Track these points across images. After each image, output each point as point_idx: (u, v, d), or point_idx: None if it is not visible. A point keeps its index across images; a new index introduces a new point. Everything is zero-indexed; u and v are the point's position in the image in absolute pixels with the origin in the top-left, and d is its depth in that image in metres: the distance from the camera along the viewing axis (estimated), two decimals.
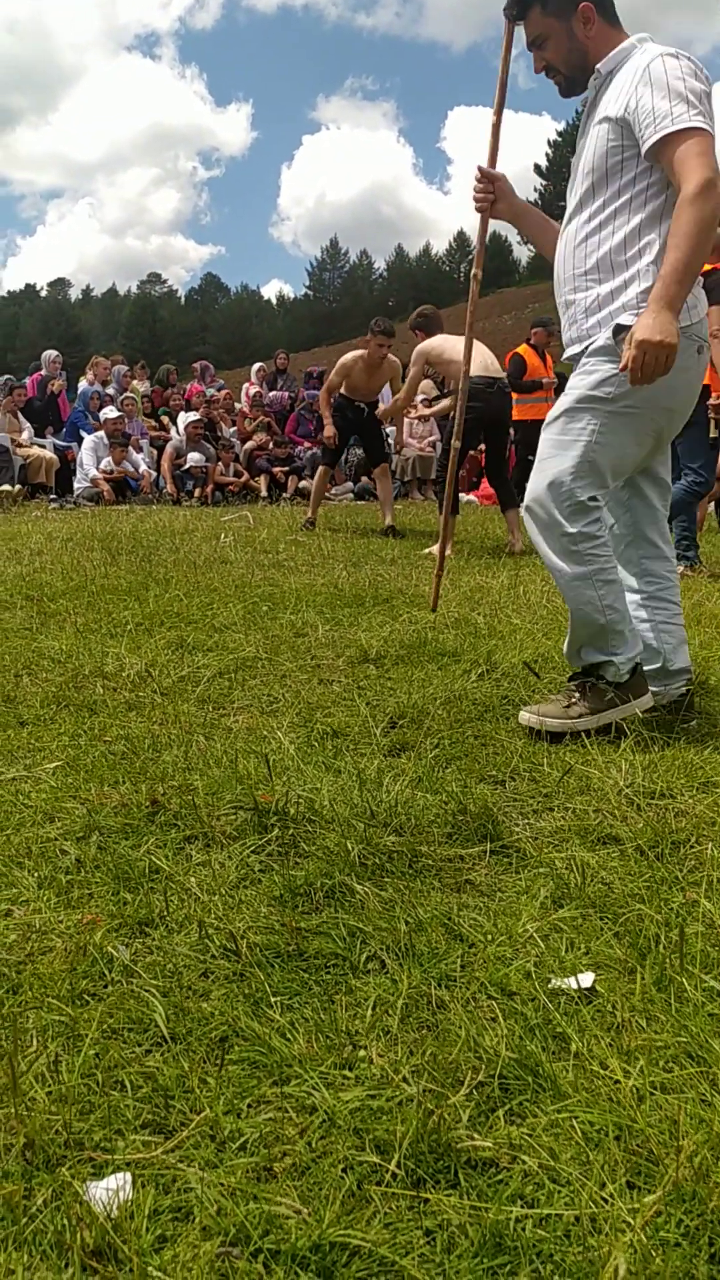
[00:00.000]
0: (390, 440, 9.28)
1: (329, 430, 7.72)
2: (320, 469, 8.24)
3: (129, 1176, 1.00)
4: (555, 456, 2.49)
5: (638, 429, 2.47)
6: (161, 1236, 0.94)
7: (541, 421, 9.09)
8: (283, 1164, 1.04)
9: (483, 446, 7.41)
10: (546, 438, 2.54)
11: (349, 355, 7.65)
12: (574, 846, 1.86)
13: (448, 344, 6.64)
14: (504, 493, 7.02)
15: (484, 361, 6.54)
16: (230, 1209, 0.96)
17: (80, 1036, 1.24)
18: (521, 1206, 0.97)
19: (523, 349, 9.77)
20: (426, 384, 13.34)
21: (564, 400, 2.53)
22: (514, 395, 9.85)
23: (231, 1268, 0.90)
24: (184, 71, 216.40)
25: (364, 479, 11.89)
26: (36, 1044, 1.23)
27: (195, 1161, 1.03)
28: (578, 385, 2.50)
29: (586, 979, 1.40)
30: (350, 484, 12.38)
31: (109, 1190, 0.97)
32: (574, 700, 2.51)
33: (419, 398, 9.92)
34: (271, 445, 12.32)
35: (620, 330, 2.40)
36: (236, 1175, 1.01)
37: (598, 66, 2.47)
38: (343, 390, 7.75)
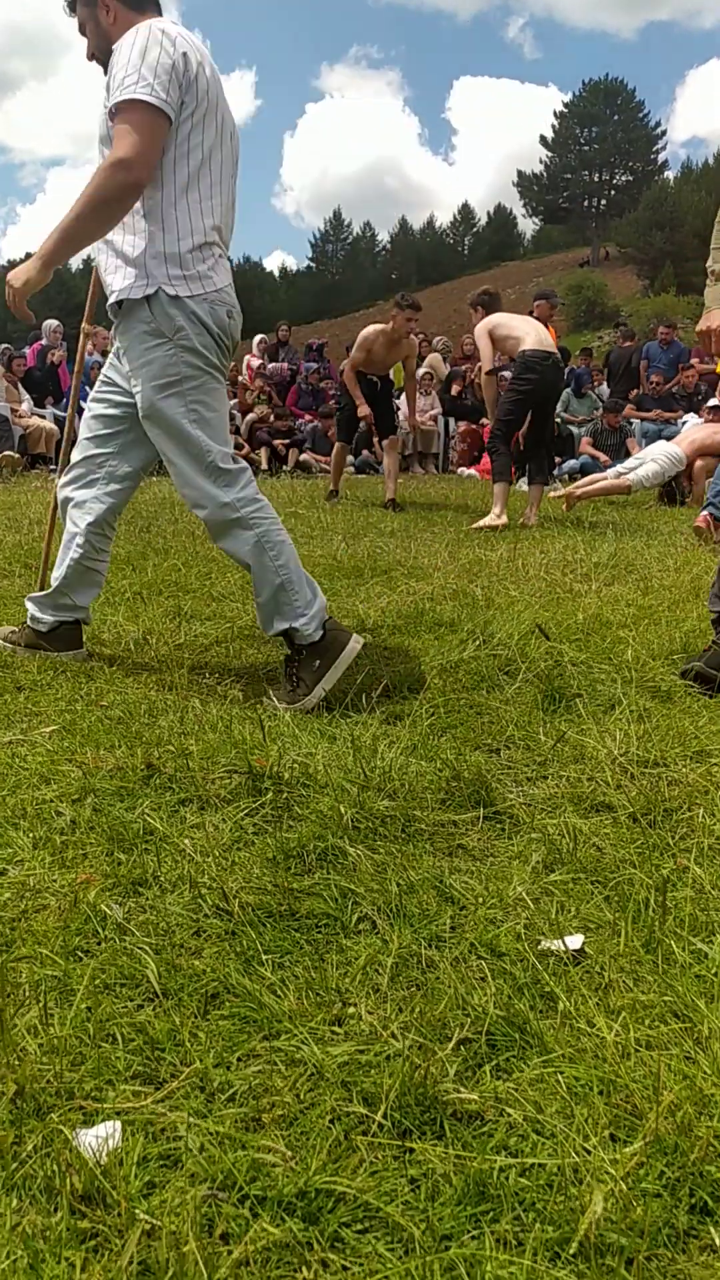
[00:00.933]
0: (401, 415, 9.18)
1: (363, 410, 7.60)
2: (337, 445, 8.18)
3: (119, 1125, 1.01)
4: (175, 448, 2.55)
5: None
6: (150, 1182, 0.96)
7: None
8: (271, 1114, 1.05)
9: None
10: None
11: (370, 329, 7.55)
12: (566, 813, 1.87)
13: (510, 321, 6.78)
14: (535, 465, 7.03)
15: (539, 336, 6.64)
16: (218, 1156, 0.98)
17: (72, 991, 1.25)
18: (505, 1157, 0.99)
19: None
20: (434, 358, 13.29)
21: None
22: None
23: (218, 1211, 0.91)
24: None
25: (365, 452, 11.85)
26: (29, 997, 1.25)
27: (184, 1111, 1.05)
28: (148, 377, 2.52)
29: (576, 941, 1.41)
30: (351, 458, 12.33)
31: (98, 1137, 0.99)
32: (296, 681, 2.52)
33: (422, 372, 9.81)
34: (272, 418, 12.27)
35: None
36: (225, 1124, 1.03)
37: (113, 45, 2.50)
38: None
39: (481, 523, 6.29)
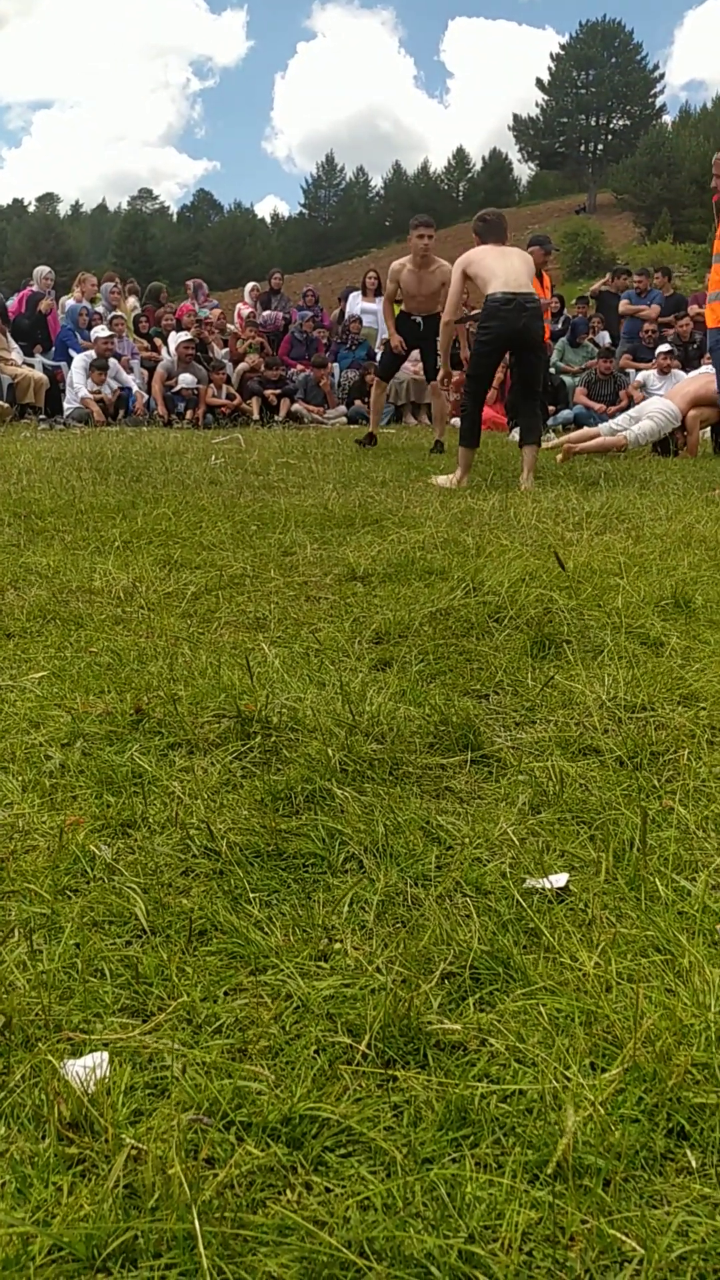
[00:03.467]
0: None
1: (395, 339, 7.43)
2: (376, 382, 8.03)
3: (106, 1055, 1.03)
4: None
5: None
6: (137, 1110, 0.97)
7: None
8: (257, 1045, 1.07)
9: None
10: None
11: (398, 261, 7.39)
12: (554, 757, 1.88)
13: (481, 256, 5.91)
14: (527, 424, 6.18)
15: (506, 277, 5.74)
16: (205, 1085, 0.99)
17: (60, 928, 1.26)
18: (487, 1084, 1.00)
19: None
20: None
21: None
22: None
23: (203, 1136, 0.93)
24: None
25: (357, 402, 11.75)
26: (18, 934, 1.26)
27: (172, 1042, 1.06)
28: None
29: (561, 879, 1.42)
30: (343, 407, 12.23)
31: (86, 1067, 1.00)
32: None
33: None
34: (264, 367, 12.13)
35: None
36: (212, 1054, 1.04)
37: None
38: (399, 300, 7.43)
39: (438, 480, 5.81)
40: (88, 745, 1.87)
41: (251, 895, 1.38)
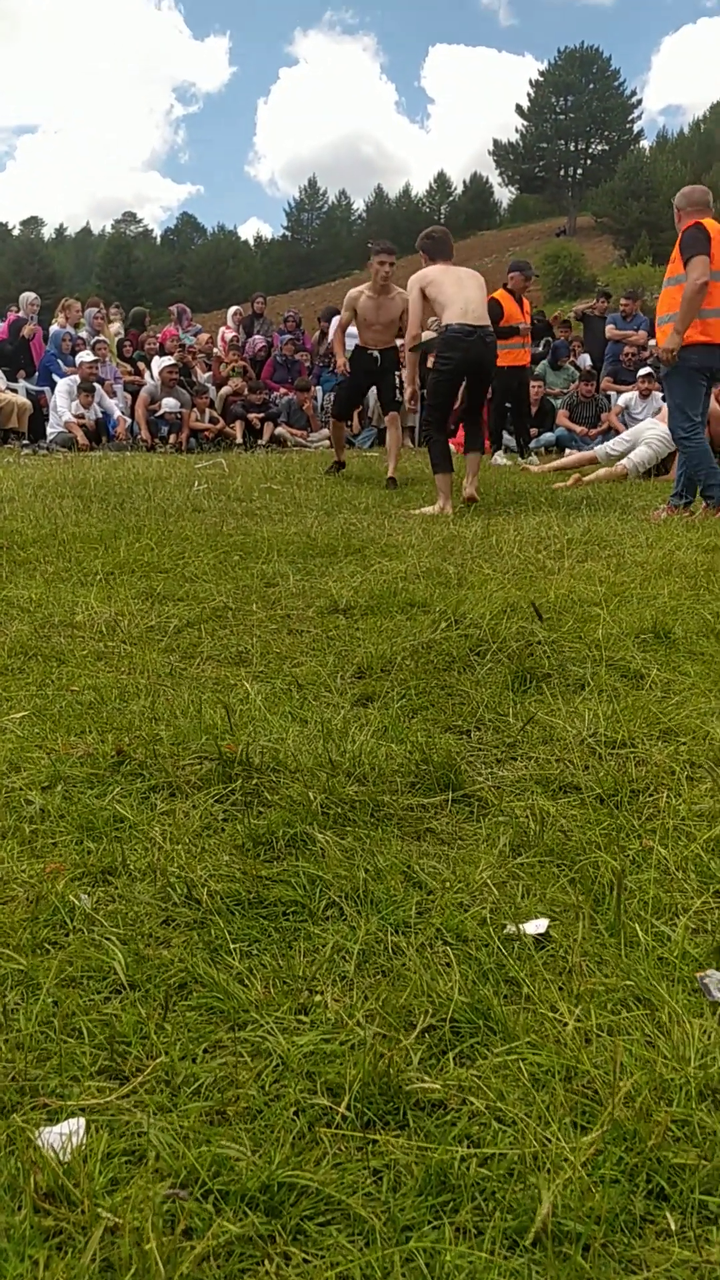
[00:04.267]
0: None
1: (340, 361, 7.39)
2: (333, 422, 8.00)
3: (83, 1121, 1.02)
4: None
5: None
6: (114, 1179, 0.96)
7: (519, 368, 8.98)
8: (236, 1107, 1.06)
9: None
10: None
11: (355, 288, 7.37)
12: (535, 795, 1.88)
13: (441, 277, 5.93)
14: (472, 435, 6.41)
15: (464, 307, 5.85)
16: (182, 1151, 0.98)
17: (38, 984, 1.25)
18: (467, 1146, 1.00)
19: (499, 294, 9.63)
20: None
21: None
22: None
23: (180, 1208, 0.92)
24: (160, 3, 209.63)
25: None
26: None
27: (149, 1106, 1.06)
28: None
29: (541, 925, 1.42)
30: (326, 430, 12.27)
31: (62, 1135, 0.99)
32: None
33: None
34: (247, 391, 12.17)
35: None
36: (190, 1119, 1.04)
37: None
38: (355, 332, 7.34)
39: (423, 510, 5.81)
40: (68, 789, 1.86)
41: (232, 946, 1.37)
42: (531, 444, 10.96)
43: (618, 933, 1.40)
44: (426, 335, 6.16)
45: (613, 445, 8.12)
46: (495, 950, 1.35)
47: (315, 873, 1.56)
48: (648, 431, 7.87)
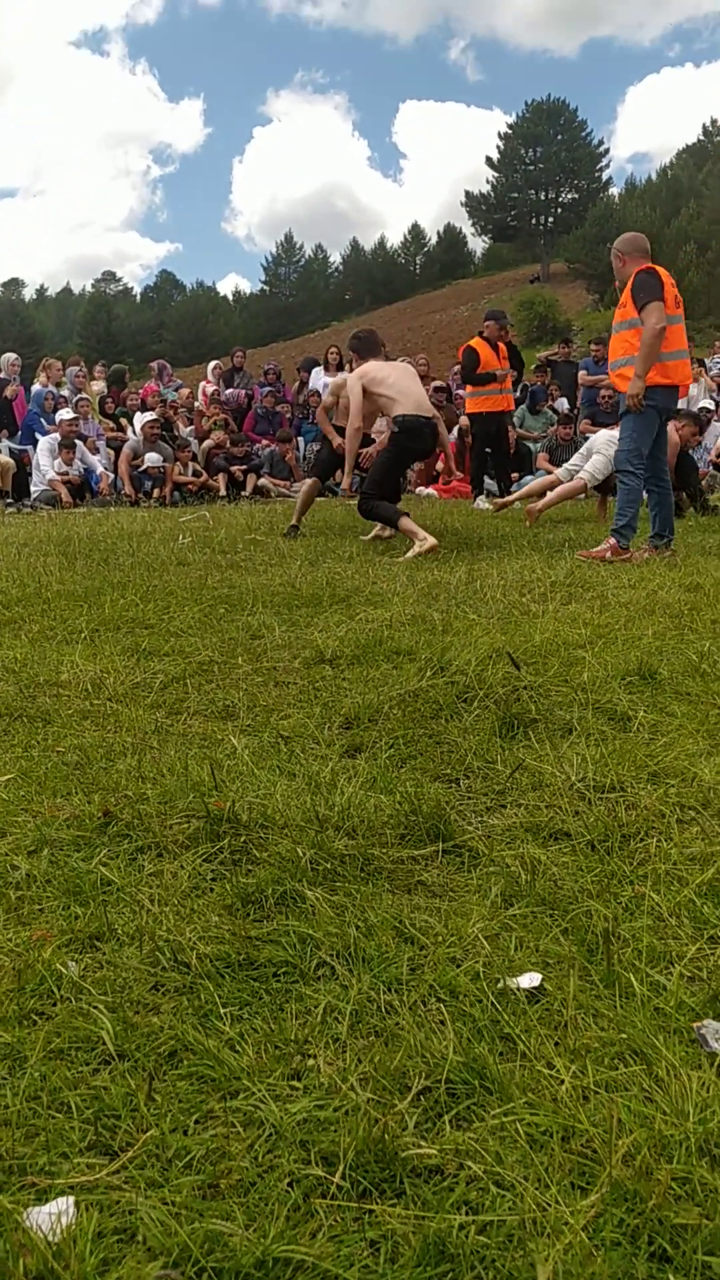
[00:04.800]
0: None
1: (338, 440, 7.49)
2: (310, 481, 8.06)
3: (72, 1200, 1.00)
4: None
5: None
6: (105, 1260, 0.94)
7: (497, 414, 9.16)
8: (228, 1180, 1.04)
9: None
10: None
11: (341, 375, 7.60)
12: (525, 843, 1.87)
13: (380, 374, 6.28)
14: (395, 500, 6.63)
15: (418, 400, 6.25)
16: (175, 1229, 0.96)
17: (25, 1057, 1.23)
18: (465, 1213, 0.98)
19: (475, 342, 9.77)
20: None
21: None
22: (468, 388, 9.87)
23: None
24: (134, 68, 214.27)
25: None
26: None
27: (140, 1182, 1.03)
28: None
29: (534, 979, 1.41)
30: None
31: (51, 1215, 0.97)
32: None
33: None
34: (229, 444, 12.27)
35: None
36: (182, 1194, 1.01)
37: None
38: (334, 418, 7.42)
39: (407, 556, 5.78)
40: (54, 853, 1.84)
41: (222, 1010, 1.35)
42: (513, 488, 11.06)
43: (612, 984, 1.39)
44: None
45: (572, 463, 8.18)
46: (489, 1006, 1.34)
47: (306, 931, 1.54)
48: (598, 440, 7.91)
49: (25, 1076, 1.19)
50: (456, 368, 11.69)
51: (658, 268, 5.62)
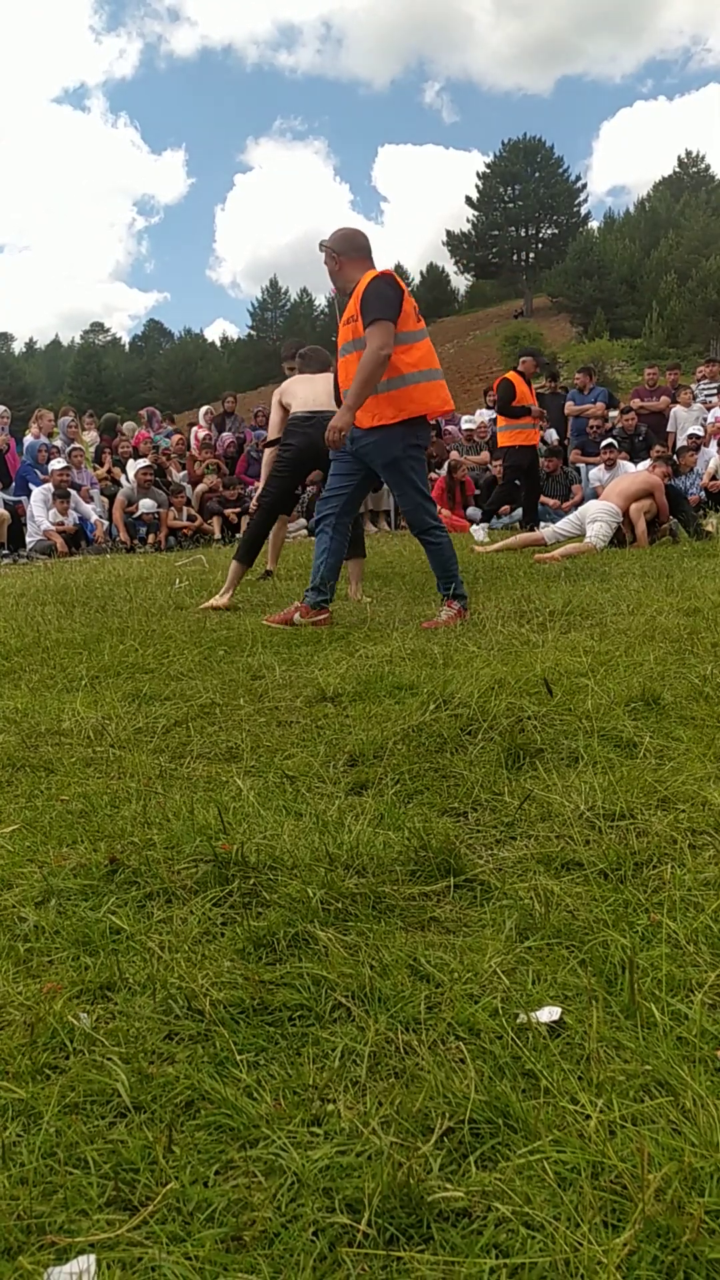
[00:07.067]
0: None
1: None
2: (280, 520, 8.04)
3: (93, 1259, 0.97)
4: None
5: None
6: None
7: (529, 447, 9.30)
8: (252, 1231, 1.01)
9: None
10: None
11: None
12: (537, 875, 1.85)
13: (291, 385, 6.09)
14: (355, 535, 5.92)
15: (312, 397, 5.89)
16: None
17: (39, 1114, 1.21)
18: (495, 1256, 0.96)
19: (511, 375, 9.83)
20: None
21: None
22: (501, 420, 9.94)
23: None
24: (115, 122, 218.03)
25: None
26: None
27: (162, 1237, 1.01)
28: None
29: (554, 1013, 1.38)
30: (303, 520, 12.41)
31: (73, 1275, 0.95)
32: None
33: None
34: (222, 487, 12.33)
35: None
36: (205, 1248, 0.99)
37: None
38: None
39: (206, 603, 5.59)
40: (62, 903, 1.82)
41: (238, 1057, 1.33)
42: (503, 520, 11.11)
43: (633, 1014, 1.37)
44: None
45: (560, 526, 8.41)
46: (510, 1042, 1.31)
47: (319, 973, 1.52)
48: (591, 509, 8.26)
49: (41, 1133, 1.17)
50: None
51: (391, 272, 4.77)
